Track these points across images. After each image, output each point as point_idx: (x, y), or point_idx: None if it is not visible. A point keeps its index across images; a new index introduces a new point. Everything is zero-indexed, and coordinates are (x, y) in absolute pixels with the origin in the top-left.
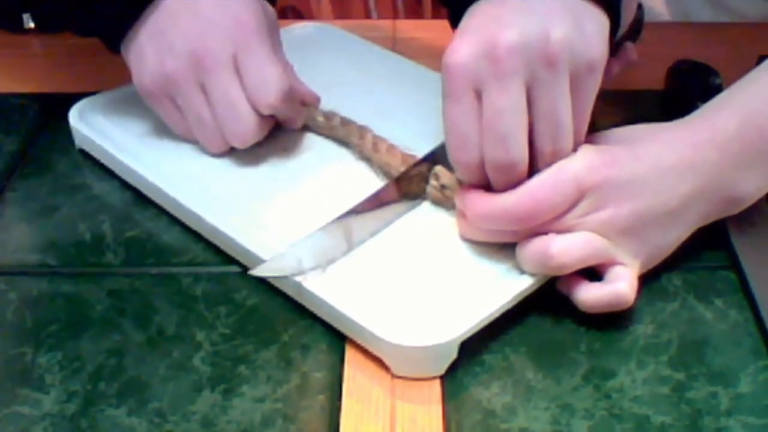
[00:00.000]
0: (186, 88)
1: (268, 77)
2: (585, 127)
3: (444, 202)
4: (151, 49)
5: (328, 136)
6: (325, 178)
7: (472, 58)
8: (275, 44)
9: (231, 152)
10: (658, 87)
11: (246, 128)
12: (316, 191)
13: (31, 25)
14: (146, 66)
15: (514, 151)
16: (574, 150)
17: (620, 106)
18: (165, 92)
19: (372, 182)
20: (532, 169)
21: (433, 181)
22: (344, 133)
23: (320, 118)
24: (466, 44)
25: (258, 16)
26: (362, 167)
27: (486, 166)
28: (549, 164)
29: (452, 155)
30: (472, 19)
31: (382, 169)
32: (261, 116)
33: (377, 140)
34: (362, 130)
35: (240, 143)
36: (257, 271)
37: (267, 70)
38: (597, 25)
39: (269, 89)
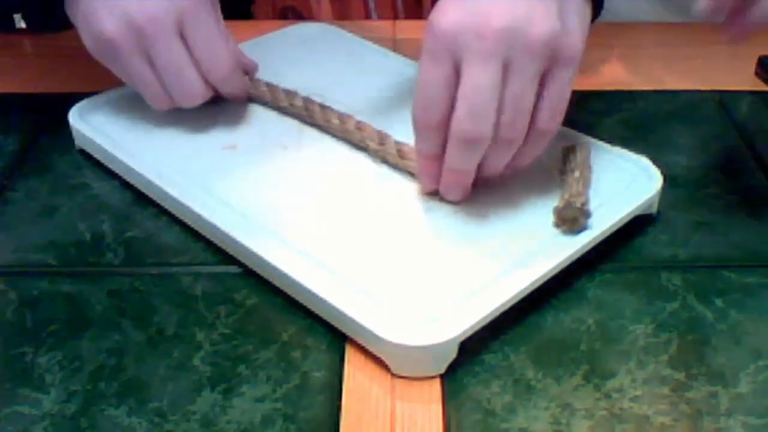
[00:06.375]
0: (126, 52)
1: (219, 51)
2: (559, 117)
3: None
4: (91, 13)
5: (336, 136)
6: (325, 176)
7: (459, 27)
8: (218, 14)
9: (231, 152)
10: (659, 87)
11: (194, 91)
12: (316, 189)
13: (23, 25)
14: (88, 29)
15: (483, 127)
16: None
17: (620, 105)
18: (107, 55)
19: (374, 180)
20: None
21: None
22: (359, 137)
23: (335, 121)
24: (456, 11)
25: None
26: (363, 164)
27: (451, 136)
28: (498, 151)
29: (417, 114)
30: None
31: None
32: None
33: (399, 146)
34: (381, 134)
35: (188, 104)
36: None
37: (217, 43)
38: (577, 15)
39: (221, 63)
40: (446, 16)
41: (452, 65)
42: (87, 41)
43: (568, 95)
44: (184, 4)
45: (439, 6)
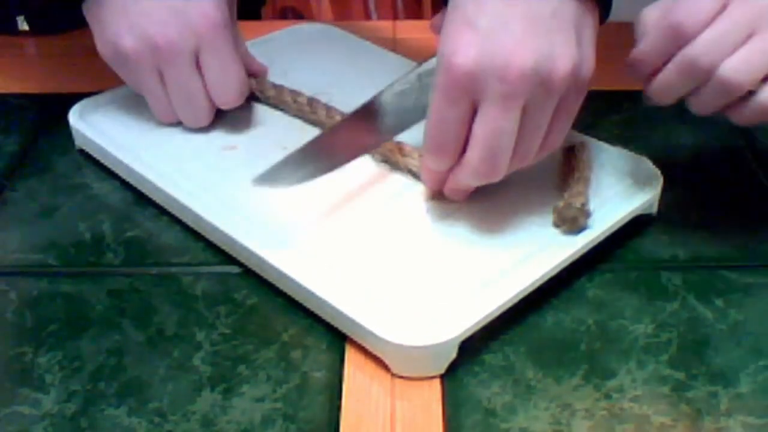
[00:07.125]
0: (141, 69)
1: (230, 78)
2: (566, 133)
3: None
4: (111, 22)
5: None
6: (325, 176)
7: (479, 68)
8: (236, 35)
9: (230, 152)
10: None
11: (200, 116)
12: (316, 188)
13: (25, 27)
14: (104, 36)
15: (499, 167)
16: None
17: (620, 105)
18: (119, 64)
19: (374, 180)
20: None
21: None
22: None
23: (339, 118)
24: (472, 47)
25: (223, 10)
26: (363, 164)
27: (463, 168)
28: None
29: (429, 145)
30: (478, 11)
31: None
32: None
33: (400, 145)
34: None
35: (192, 126)
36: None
37: (230, 70)
38: (592, 35)
39: (231, 90)
40: (463, 55)
41: (469, 104)
42: (100, 46)
43: (576, 113)
44: (203, 32)
45: (450, 38)
